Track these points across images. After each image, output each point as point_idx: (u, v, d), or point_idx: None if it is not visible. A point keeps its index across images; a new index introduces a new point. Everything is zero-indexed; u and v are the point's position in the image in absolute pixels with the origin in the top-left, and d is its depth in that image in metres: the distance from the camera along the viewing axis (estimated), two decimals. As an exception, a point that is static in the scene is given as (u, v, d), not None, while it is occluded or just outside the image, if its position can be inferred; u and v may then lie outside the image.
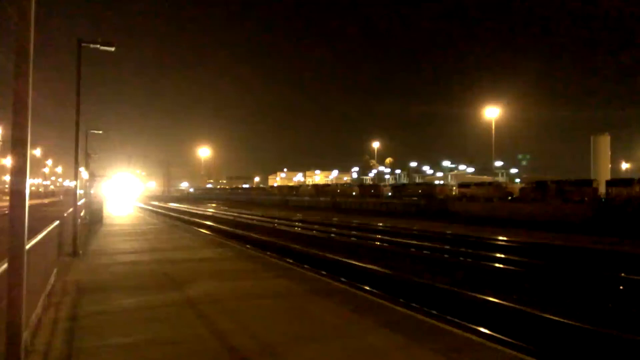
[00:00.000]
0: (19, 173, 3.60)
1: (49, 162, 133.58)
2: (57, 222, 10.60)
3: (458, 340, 6.18)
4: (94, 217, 27.09)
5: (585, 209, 32.63)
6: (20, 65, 3.63)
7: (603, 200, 37.49)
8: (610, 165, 76.13)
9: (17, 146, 3.60)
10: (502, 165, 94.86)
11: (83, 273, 11.44)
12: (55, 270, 10.27)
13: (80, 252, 14.35)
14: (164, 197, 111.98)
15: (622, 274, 13.56)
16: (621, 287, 11.91)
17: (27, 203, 3.68)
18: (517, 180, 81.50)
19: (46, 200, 72.62)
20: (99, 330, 6.68)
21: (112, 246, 16.92)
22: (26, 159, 3.63)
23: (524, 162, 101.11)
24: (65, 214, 14.94)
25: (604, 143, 73.88)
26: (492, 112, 62.08)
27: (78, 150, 14.91)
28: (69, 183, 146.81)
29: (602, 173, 66.93)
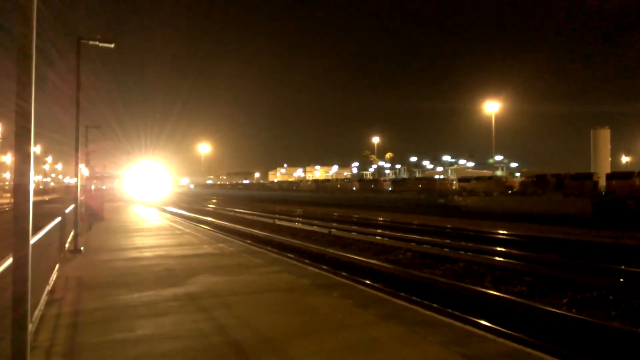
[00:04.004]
0: (22, 168, 3.62)
1: (49, 159, 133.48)
2: (58, 219, 10.65)
3: (459, 333, 6.22)
4: (95, 214, 27.14)
5: (585, 203, 32.65)
6: (23, 54, 3.62)
7: (603, 193, 37.51)
8: (610, 159, 75.99)
9: (21, 141, 3.61)
10: (502, 159, 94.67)
11: (85, 269, 11.48)
12: (57, 267, 10.31)
13: (82, 248, 14.38)
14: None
15: (622, 266, 13.62)
16: (621, 280, 11.95)
17: (32, 198, 3.71)
18: (517, 174, 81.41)
19: (46, 197, 72.65)
20: (101, 326, 6.72)
21: (114, 242, 16.96)
22: (30, 154, 3.65)
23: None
24: (66, 211, 14.98)
25: (604, 136, 73.76)
26: (492, 107, 62.05)
27: (78, 147, 14.92)
28: (69, 180, 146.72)
29: (602, 166, 66.86)
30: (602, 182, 41.58)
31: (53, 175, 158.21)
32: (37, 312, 6.56)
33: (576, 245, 18.63)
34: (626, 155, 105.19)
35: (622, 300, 10.34)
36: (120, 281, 9.88)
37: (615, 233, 22.65)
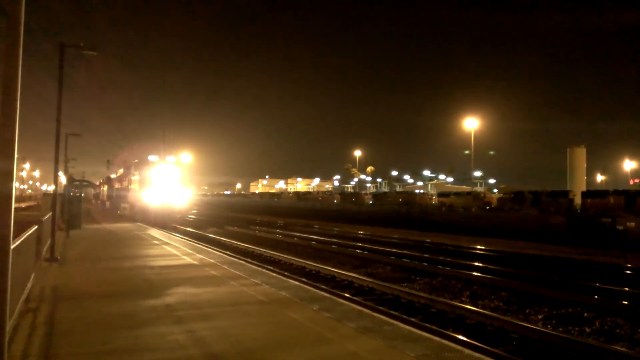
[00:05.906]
0: (5, 177, 3.60)
1: (27, 165, 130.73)
2: (35, 227, 10.47)
3: (437, 347, 6.28)
4: (73, 222, 26.66)
5: (561, 220, 33.24)
6: (9, 65, 3.63)
7: (579, 211, 38.24)
8: (585, 177, 77.50)
9: (4, 150, 3.60)
10: (481, 175, 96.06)
11: (61, 279, 11.29)
12: (32, 276, 10.12)
13: (59, 257, 14.15)
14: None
15: (597, 284, 13.88)
16: (595, 297, 12.17)
17: (13, 207, 3.68)
18: (495, 190, 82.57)
19: (23, 205, 71.15)
20: (77, 337, 6.63)
21: (91, 252, 16.71)
22: (13, 163, 3.63)
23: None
24: (43, 219, 14.74)
25: (580, 155, 75.26)
26: (471, 123, 62.94)
27: (58, 155, 14.73)
28: (46, 187, 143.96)
29: (578, 184, 68.13)
30: (578, 200, 42.41)
31: (30, 182, 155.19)
32: (11, 322, 6.44)
33: (552, 262, 18.92)
34: (602, 174, 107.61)
35: (596, 317, 10.54)
36: (97, 291, 9.75)
37: (589, 250, 23.09)
